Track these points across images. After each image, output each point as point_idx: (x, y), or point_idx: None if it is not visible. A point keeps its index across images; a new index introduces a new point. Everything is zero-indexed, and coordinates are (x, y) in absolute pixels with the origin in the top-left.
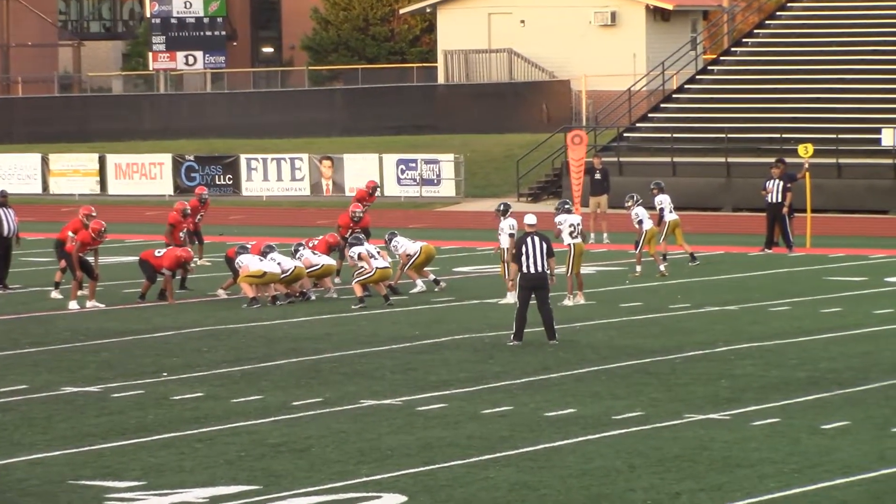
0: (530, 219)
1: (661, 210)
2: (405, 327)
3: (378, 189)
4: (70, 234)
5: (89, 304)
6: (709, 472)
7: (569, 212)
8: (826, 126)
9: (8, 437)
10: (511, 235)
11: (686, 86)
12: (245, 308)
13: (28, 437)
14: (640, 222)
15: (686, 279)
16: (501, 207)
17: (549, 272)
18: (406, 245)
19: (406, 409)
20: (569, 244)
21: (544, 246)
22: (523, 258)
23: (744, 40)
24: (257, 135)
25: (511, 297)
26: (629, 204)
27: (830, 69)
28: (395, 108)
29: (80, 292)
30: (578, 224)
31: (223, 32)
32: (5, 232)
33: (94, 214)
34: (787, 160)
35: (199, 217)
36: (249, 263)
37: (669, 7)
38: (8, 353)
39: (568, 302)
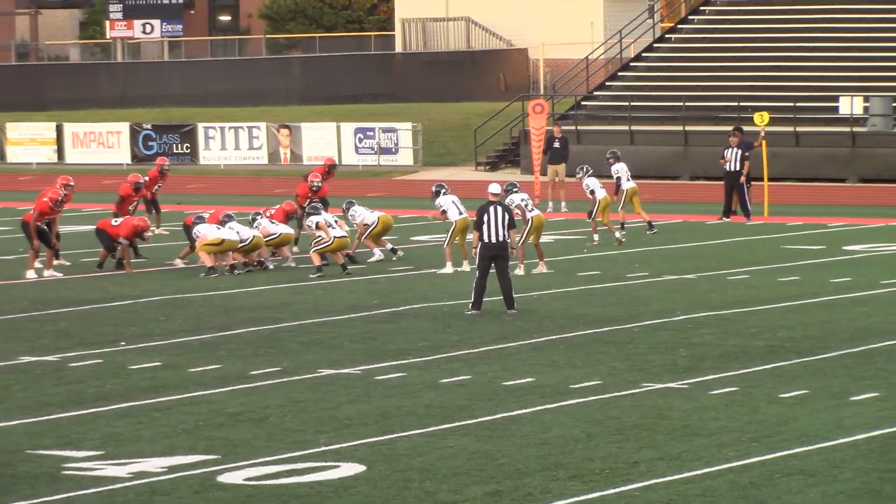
0: (494, 188)
1: (619, 179)
2: (363, 296)
3: (335, 167)
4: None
5: (47, 273)
6: (667, 441)
7: (517, 191)
8: (784, 94)
9: None
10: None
11: (643, 54)
12: (203, 277)
13: None
14: (592, 192)
15: (644, 248)
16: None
17: (508, 242)
18: (364, 214)
19: (364, 379)
20: (527, 218)
21: (506, 216)
22: (484, 227)
23: (701, 8)
24: (215, 103)
25: (449, 268)
26: (580, 175)
27: (788, 37)
28: (352, 76)
29: (36, 262)
30: (528, 198)
31: (180, 1)
32: None
33: (72, 184)
34: (745, 129)
35: (157, 187)
36: (207, 232)
37: None
38: None
39: (519, 272)
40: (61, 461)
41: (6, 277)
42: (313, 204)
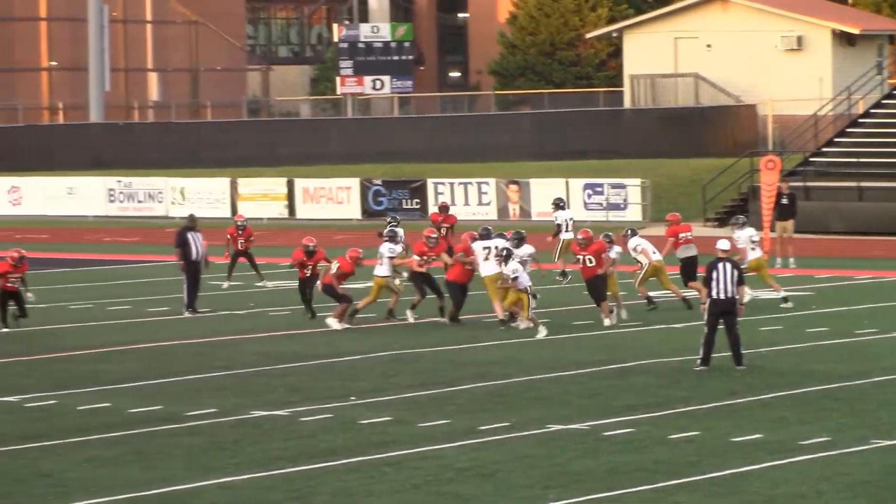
0: (723, 244)
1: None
2: (590, 352)
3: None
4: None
5: (338, 325)
6: None
7: (744, 226)
8: None
9: (197, 460)
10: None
11: (872, 110)
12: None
13: (217, 460)
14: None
15: (872, 304)
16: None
17: (738, 298)
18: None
19: (593, 434)
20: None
21: (735, 273)
22: (713, 283)
23: None
24: (444, 159)
25: (543, 331)
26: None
27: None
28: (581, 132)
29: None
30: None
31: (410, 57)
32: (193, 256)
33: (361, 256)
34: None
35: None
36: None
37: (855, 31)
38: (196, 377)
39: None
40: None
41: (237, 332)
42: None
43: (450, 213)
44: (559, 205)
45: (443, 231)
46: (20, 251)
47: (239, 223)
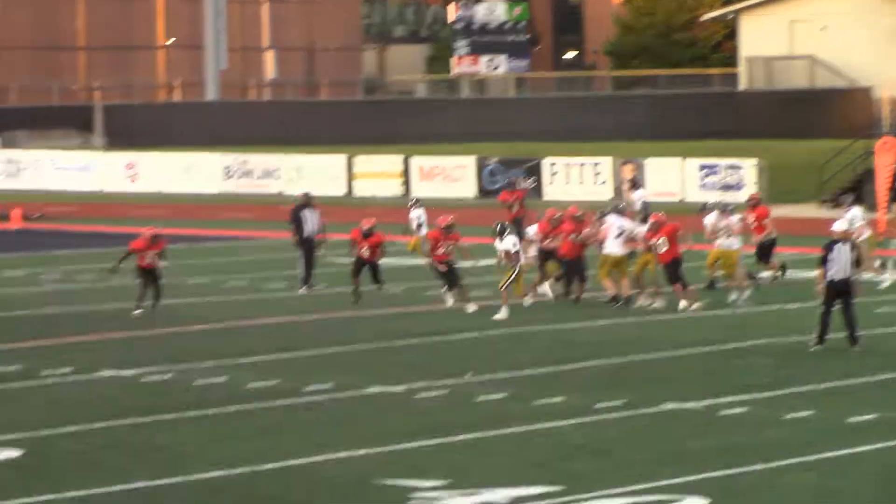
0: (840, 225)
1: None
2: (709, 331)
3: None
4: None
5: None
6: None
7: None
8: None
9: (313, 435)
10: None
11: None
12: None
13: (333, 436)
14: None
15: None
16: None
17: (854, 279)
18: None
19: (708, 413)
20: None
21: (852, 253)
22: (830, 264)
23: None
24: (560, 139)
25: (504, 312)
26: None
27: None
28: (696, 113)
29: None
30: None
31: (526, 37)
32: (306, 232)
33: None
34: None
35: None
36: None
37: None
38: (313, 353)
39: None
40: (408, 491)
41: (353, 309)
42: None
43: (518, 187)
44: (636, 184)
45: (514, 208)
46: (154, 228)
47: (365, 228)
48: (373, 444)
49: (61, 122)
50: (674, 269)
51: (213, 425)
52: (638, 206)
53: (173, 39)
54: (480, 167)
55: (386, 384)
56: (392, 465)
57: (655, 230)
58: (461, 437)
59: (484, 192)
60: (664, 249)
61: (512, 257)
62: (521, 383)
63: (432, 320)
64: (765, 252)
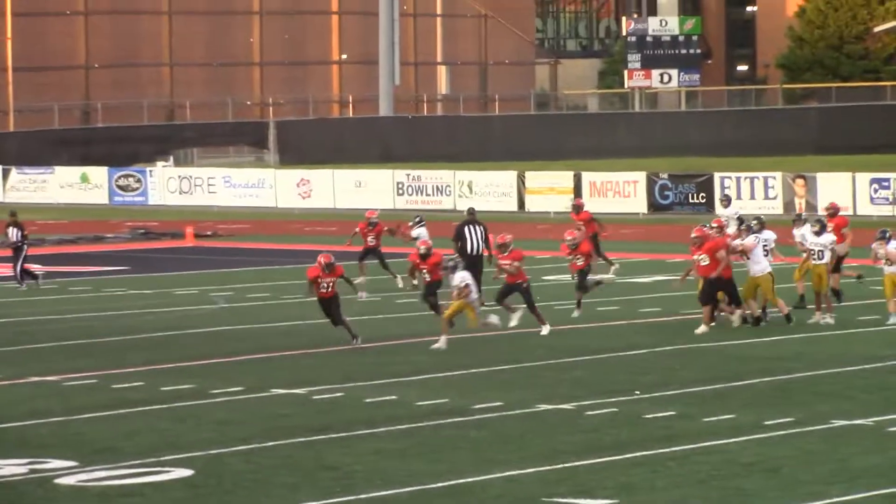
0: None
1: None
2: (876, 347)
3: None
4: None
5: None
6: None
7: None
8: None
9: (483, 453)
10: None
11: None
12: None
13: (502, 453)
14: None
15: None
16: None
17: None
18: None
19: (877, 430)
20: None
21: None
22: None
23: None
24: (731, 153)
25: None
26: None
27: None
28: (868, 126)
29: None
30: None
31: (698, 51)
32: (468, 249)
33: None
34: None
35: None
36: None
37: None
38: (483, 370)
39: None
40: None
41: (521, 326)
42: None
43: (582, 210)
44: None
45: (582, 229)
46: (329, 256)
47: (372, 219)
48: (541, 463)
49: (235, 138)
50: (709, 288)
51: (382, 443)
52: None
53: (345, 56)
54: (651, 182)
55: (554, 402)
56: (560, 483)
57: (699, 245)
58: (629, 454)
59: (654, 207)
60: (705, 264)
61: (463, 292)
62: (690, 400)
63: (600, 337)
64: (838, 263)
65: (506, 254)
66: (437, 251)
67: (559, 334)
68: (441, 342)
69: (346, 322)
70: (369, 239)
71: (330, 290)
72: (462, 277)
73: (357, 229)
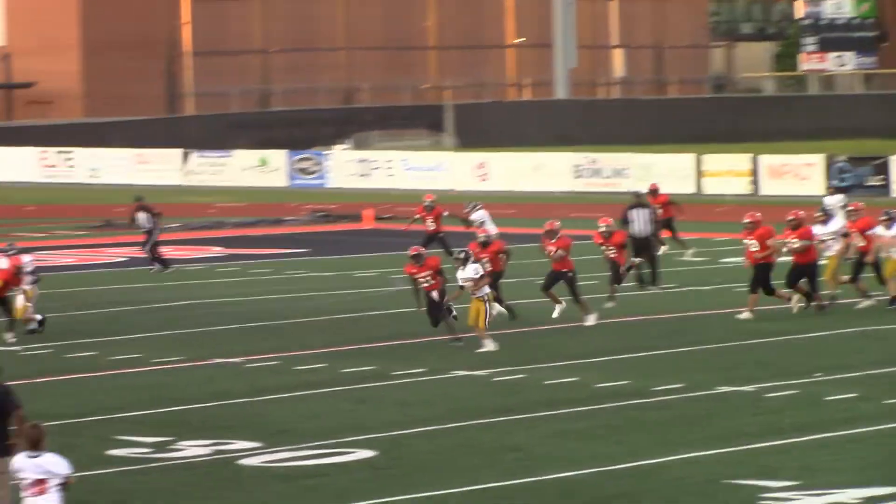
0: None
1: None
2: None
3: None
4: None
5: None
6: None
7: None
8: None
9: (666, 435)
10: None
11: None
12: None
13: (685, 435)
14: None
15: None
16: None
17: None
18: None
19: None
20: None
21: None
22: None
23: None
24: None
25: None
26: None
27: None
28: None
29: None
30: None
31: (874, 33)
32: (634, 231)
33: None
34: None
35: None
36: None
37: None
38: (664, 352)
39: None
40: (758, 490)
41: (705, 308)
42: None
43: (659, 193)
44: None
45: (659, 212)
46: (416, 248)
47: (427, 203)
48: (723, 444)
49: (412, 121)
50: (760, 275)
51: (564, 425)
52: (838, 211)
53: (523, 39)
54: (829, 165)
55: (736, 384)
56: (742, 465)
57: (751, 230)
58: (811, 436)
59: (832, 190)
60: (755, 250)
61: (478, 283)
62: (872, 382)
63: (782, 319)
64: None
65: (554, 240)
66: (497, 241)
67: (728, 318)
68: (489, 345)
69: (450, 322)
70: (428, 223)
71: (432, 284)
72: (476, 269)
73: (417, 214)
